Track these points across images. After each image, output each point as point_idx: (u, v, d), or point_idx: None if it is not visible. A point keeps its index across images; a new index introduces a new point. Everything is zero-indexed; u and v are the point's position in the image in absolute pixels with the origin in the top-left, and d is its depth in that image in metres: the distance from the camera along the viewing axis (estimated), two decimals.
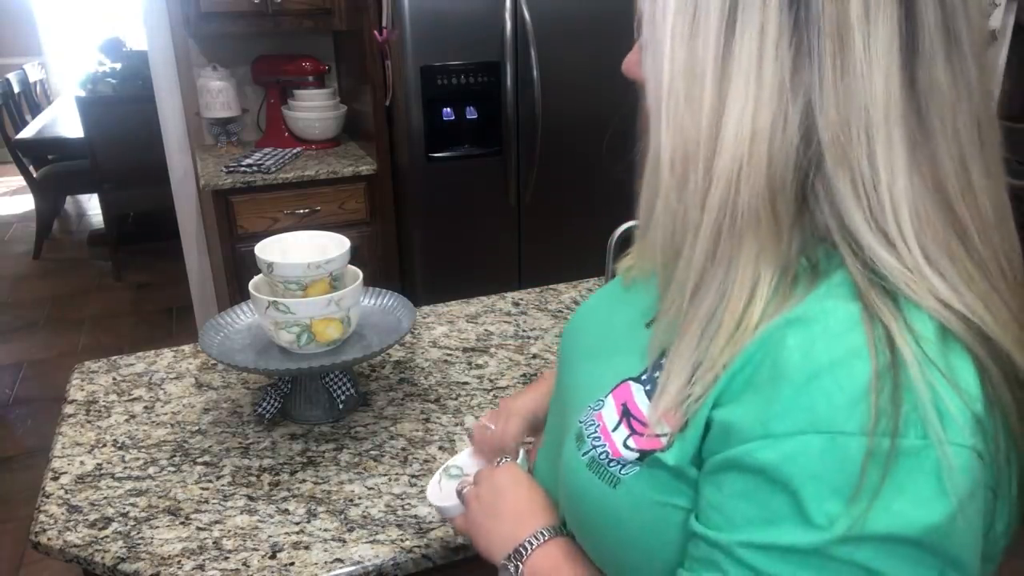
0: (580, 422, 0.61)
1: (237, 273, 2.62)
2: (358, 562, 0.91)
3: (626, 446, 0.56)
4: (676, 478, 0.52)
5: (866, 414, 0.43)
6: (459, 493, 0.78)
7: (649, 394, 0.57)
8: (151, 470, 1.08)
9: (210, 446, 1.13)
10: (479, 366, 1.35)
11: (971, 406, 0.44)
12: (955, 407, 0.44)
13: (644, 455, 0.54)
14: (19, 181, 4.94)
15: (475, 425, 0.91)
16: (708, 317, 0.50)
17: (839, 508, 0.43)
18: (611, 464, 0.56)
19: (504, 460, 0.77)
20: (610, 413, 0.59)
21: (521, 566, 0.66)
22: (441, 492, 0.87)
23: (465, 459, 0.91)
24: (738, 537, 0.47)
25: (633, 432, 0.56)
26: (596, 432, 0.59)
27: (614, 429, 0.57)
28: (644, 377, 0.58)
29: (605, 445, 0.57)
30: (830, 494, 0.44)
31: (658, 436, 0.54)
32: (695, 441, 0.51)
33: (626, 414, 0.57)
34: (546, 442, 0.79)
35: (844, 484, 0.43)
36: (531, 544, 0.66)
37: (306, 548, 0.93)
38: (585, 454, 0.59)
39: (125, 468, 1.08)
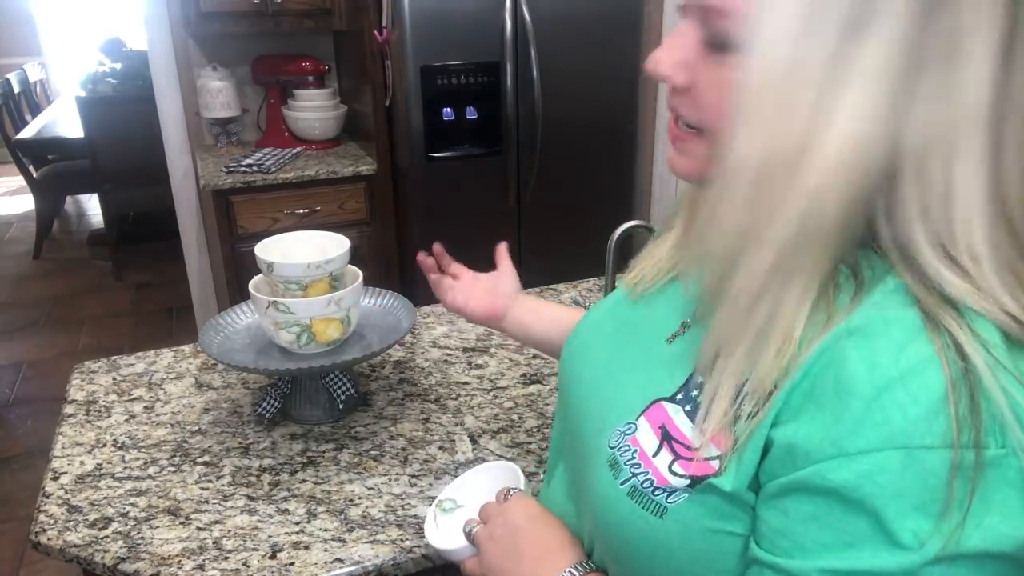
0: (611, 448, 0.58)
1: (237, 273, 2.62)
2: (358, 562, 0.91)
3: (673, 472, 0.53)
4: (731, 504, 0.50)
5: (946, 425, 0.41)
6: (467, 534, 0.73)
7: (690, 415, 0.54)
8: (151, 470, 1.08)
9: (210, 446, 1.13)
10: (479, 366, 1.35)
11: None
12: None
13: (696, 481, 0.51)
14: (19, 181, 4.95)
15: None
16: (758, 332, 0.48)
17: (927, 526, 0.41)
18: (656, 492, 0.53)
19: (512, 491, 0.73)
20: (647, 437, 0.56)
21: None
22: (439, 531, 0.80)
23: (457, 490, 0.85)
24: (814, 564, 0.45)
25: (678, 457, 0.53)
26: (634, 459, 0.55)
27: (655, 454, 0.54)
28: (680, 397, 0.56)
29: (648, 472, 0.54)
30: (915, 512, 0.42)
31: (707, 460, 0.51)
32: (753, 464, 0.48)
33: (667, 438, 0.54)
34: (557, 469, 0.75)
35: (929, 500, 0.41)
36: None
37: (306, 548, 0.93)
38: (624, 482, 0.55)
39: (125, 468, 1.08)
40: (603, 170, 2.77)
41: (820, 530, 0.45)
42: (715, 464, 0.50)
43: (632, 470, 0.55)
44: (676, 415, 0.55)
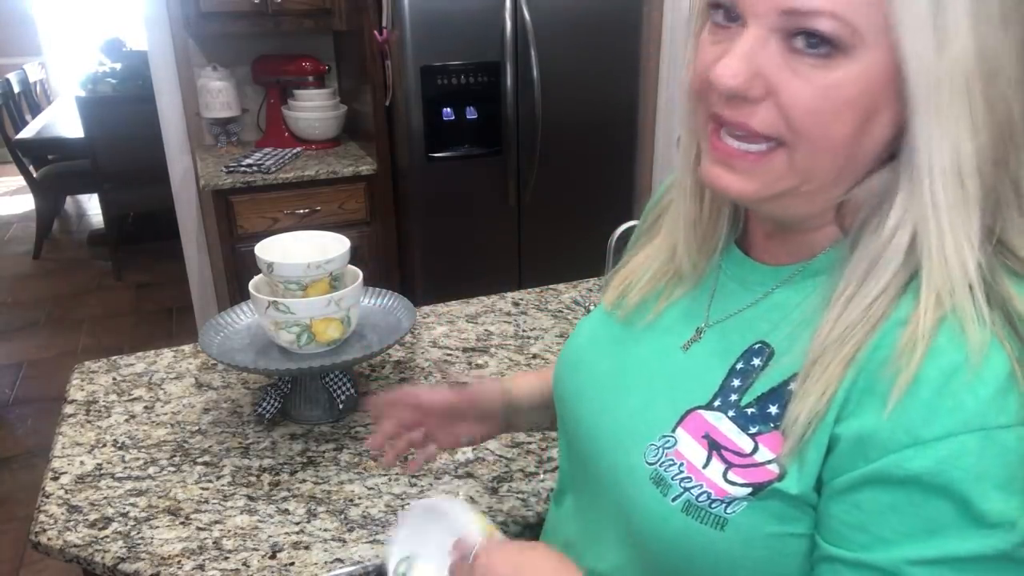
0: (651, 464, 0.56)
1: (237, 273, 2.62)
2: (358, 562, 0.91)
3: (729, 481, 0.52)
4: (795, 506, 0.50)
5: (1018, 403, 0.42)
6: None
7: (737, 422, 0.53)
8: (151, 470, 1.08)
9: (210, 446, 1.13)
10: (479, 366, 1.35)
11: None
12: None
13: (758, 488, 0.50)
14: (19, 181, 4.94)
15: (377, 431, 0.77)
16: (849, 335, 0.47)
17: (1015, 504, 0.42)
18: (714, 505, 0.52)
19: (475, 549, 0.63)
20: (692, 449, 0.54)
21: None
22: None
23: (407, 543, 0.74)
24: (899, 554, 0.44)
25: (731, 465, 0.52)
26: (683, 472, 0.54)
27: (705, 466, 0.53)
28: (718, 404, 0.54)
29: (702, 484, 0.52)
30: (1000, 491, 0.42)
31: (764, 465, 0.50)
32: (817, 464, 0.48)
33: (714, 447, 0.53)
34: (567, 495, 0.72)
35: (1012, 478, 0.42)
36: None
37: (306, 548, 0.93)
38: (676, 498, 0.53)
39: (125, 468, 1.08)
40: (603, 170, 2.77)
41: (901, 520, 0.44)
42: (773, 468, 0.49)
43: (683, 484, 0.53)
44: (719, 422, 0.54)
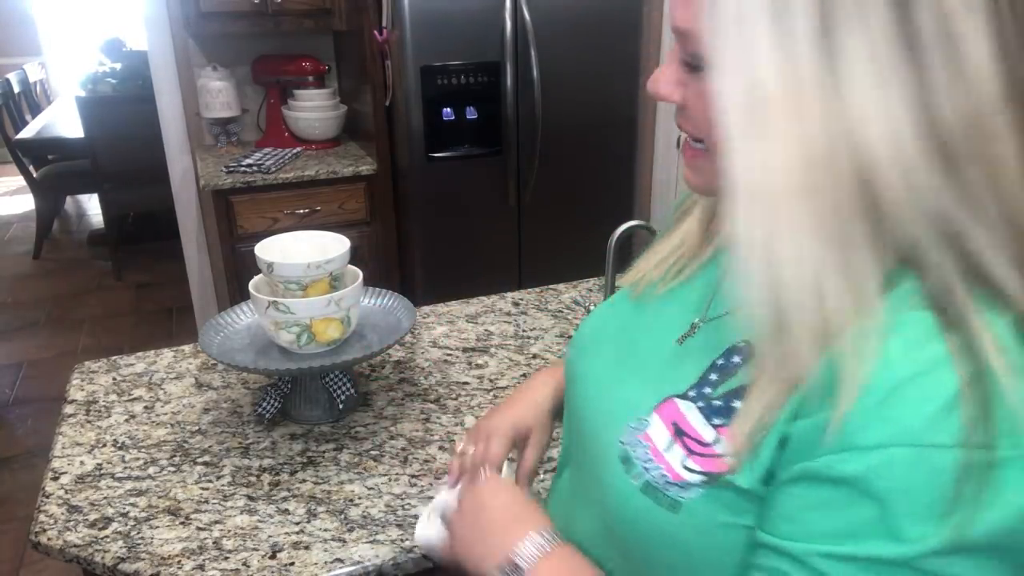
0: (623, 443, 0.58)
1: (237, 273, 2.62)
2: (358, 562, 0.91)
3: (687, 468, 0.54)
4: (746, 499, 0.51)
5: (958, 425, 0.41)
6: (443, 519, 0.75)
7: (703, 412, 0.55)
8: (151, 470, 1.08)
9: (210, 446, 1.13)
10: (479, 366, 1.35)
11: None
12: None
13: (712, 478, 0.52)
14: (19, 181, 4.95)
15: (453, 457, 0.84)
16: (809, 331, 0.47)
17: (931, 524, 0.42)
18: (669, 488, 0.54)
19: (490, 473, 0.75)
20: (659, 433, 0.56)
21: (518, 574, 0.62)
22: (429, 527, 0.80)
23: (451, 496, 0.81)
24: (815, 547, 0.46)
25: (691, 452, 0.54)
26: (647, 454, 0.56)
27: (666, 450, 0.55)
28: (692, 394, 0.56)
29: (660, 467, 0.55)
30: (922, 509, 0.42)
31: (721, 456, 0.52)
32: (769, 459, 0.49)
33: (679, 434, 0.55)
34: (564, 471, 0.76)
35: (936, 499, 0.42)
36: (528, 551, 0.62)
37: (306, 548, 0.93)
38: (636, 477, 0.56)
39: (125, 468, 1.08)
40: (603, 170, 2.77)
41: (824, 517, 0.46)
42: (729, 460, 0.51)
43: (645, 465, 0.56)
44: (689, 411, 0.56)
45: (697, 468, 0.53)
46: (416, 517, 0.98)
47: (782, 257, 0.47)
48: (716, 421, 0.54)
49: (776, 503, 0.49)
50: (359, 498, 1.02)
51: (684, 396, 0.57)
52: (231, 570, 0.90)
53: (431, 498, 1.00)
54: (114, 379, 1.32)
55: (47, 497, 1.03)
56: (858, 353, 0.45)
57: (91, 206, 5.37)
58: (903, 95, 0.44)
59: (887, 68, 0.44)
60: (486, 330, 1.48)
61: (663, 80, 0.56)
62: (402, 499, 1.01)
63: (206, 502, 1.01)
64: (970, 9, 0.44)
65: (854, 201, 0.45)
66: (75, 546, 0.94)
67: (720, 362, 0.56)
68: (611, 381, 0.66)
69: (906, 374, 0.43)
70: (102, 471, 1.08)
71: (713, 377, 0.55)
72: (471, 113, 2.52)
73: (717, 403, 0.54)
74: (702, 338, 0.60)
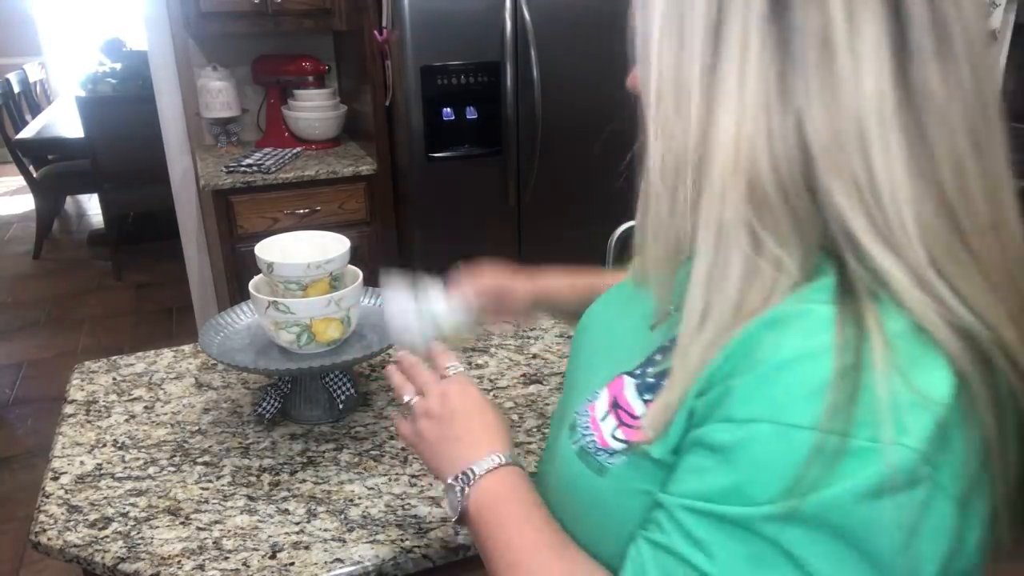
0: (576, 413, 0.63)
1: (237, 273, 2.62)
2: (358, 562, 0.91)
3: (614, 437, 0.58)
4: (660, 468, 0.54)
5: (820, 410, 0.44)
6: (407, 403, 0.78)
7: (638, 388, 0.59)
8: (151, 470, 1.08)
9: (210, 446, 1.13)
10: (479, 366, 1.35)
11: (935, 413, 0.44)
12: (913, 414, 0.43)
13: (631, 446, 0.56)
14: (19, 181, 4.95)
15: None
16: (723, 321, 0.50)
17: (774, 493, 0.45)
18: (598, 453, 0.58)
19: (452, 369, 0.77)
20: (601, 404, 0.61)
21: (468, 488, 0.66)
22: (405, 316, 0.91)
23: (441, 308, 0.94)
24: (679, 500, 0.50)
25: (621, 423, 0.58)
26: (586, 422, 0.61)
27: (603, 419, 0.60)
28: (638, 372, 0.60)
29: (594, 435, 0.59)
30: (771, 481, 0.45)
31: (641, 428, 0.56)
32: (678, 432, 0.52)
33: (615, 406, 0.59)
34: (550, 434, 0.80)
35: (785, 475, 0.45)
36: (482, 467, 0.67)
37: (306, 548, 0.93)
38: (576, 443, 0.61)
39: (125, 468, 1.08)
40: (603, 170, 2.76)
41: (697, 479, 0.49)
42: (647, 432, 0.54)
43: (583, 432, 0.61)
44: (628, 387, 0.60)
45: (622, 437, 0.57)
46: (416, 517, 0.98)
47: (697, 251, 0.51)
48: (647, 396, 0.58)
49: (674, 466, 0.53)
50: (359, 498, 1.02)
51: (631, 373, 0.60)
52: (231, 570, 0.90)
53: (431, 498, 1.00)
54: (114, 379, 1.32)
55: (47, 497, 1.03)
56: (756, 341, 0.48)
57: (91, 206, 5.37)
58: (768, 101, 0.47)
59: (756, 72, 0.47)
60: (486, 330, 1.48)
61: (632, 76, 0.58)
62: (402, 499, 1.01)
63: (206, 502, 1.01)
64: (852, 15, 0.45)
65: (743, 204, 0.48)
66: (75, 546, 0.94)
67: (666, 344, 0.59)
68: (595, 361, 0.69)
69: (788, 358, 0.46)
70: (102, 471, 1.08)
71: (657, 357, 0.59)
72: (471, 113, 2.52)
73: (651, 380, 0.58)
74: (670, 324, 0.62)
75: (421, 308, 0.94)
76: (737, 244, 0.49)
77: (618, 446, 0.57)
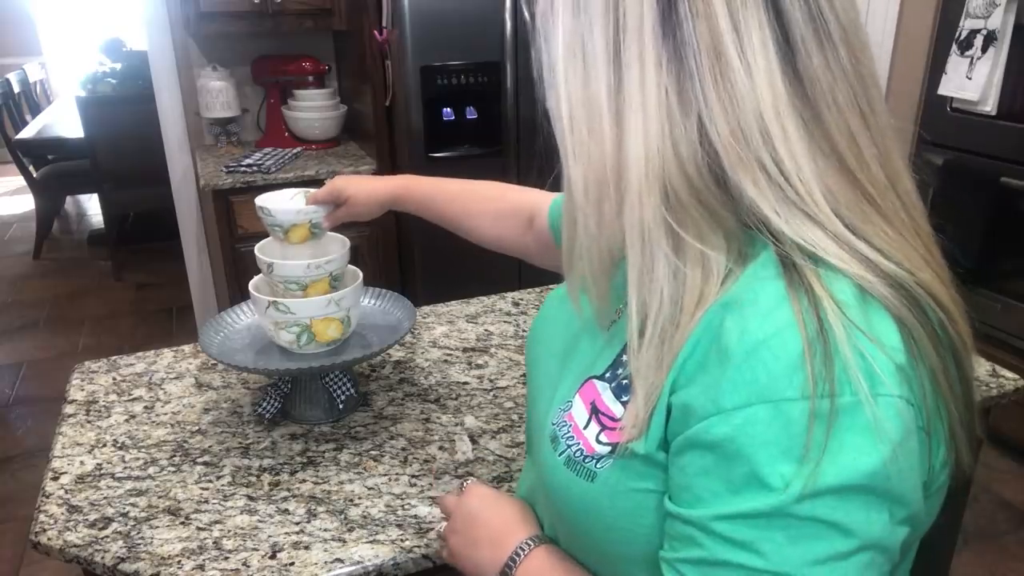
0: (553, 424, 0.64)
1: (237, 273, 2.62)
2: (358, 562, 0.91)
3: (599, 441, 0.59)
4: (647, 464, 0.55)
5: (804, 379, 0.47)
6: (439, 532, 0.81)
7: (615, 391, 0.60)
8: (151, 470, 1.08)
9: (210, 446, 1.13)
10: (479, 366, 1.35)
11: (894, 359, 0.48)
12: (879, 363, 0.47)
13: (616, 448, 0.57)
14: (19, 181, 4.95)
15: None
16: (665, 319, 0.53)
17: (792, 469, 0.47)
18: (586, 460, 0.59)
19: (467, 481, 0.80)
20: (580, 412, 0.62)
21: None
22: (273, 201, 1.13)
23: (291, 205, 1.14)
24: (708, 511, 0.50)
25: (604, 428, 0.59)
26: (569, 432, 0.62)
27: (585, 427, 0.61)
28: (608, 375, 0.61)
29: (579, 443, 0.60)
30: (781, 457, 0.47)
31: (623, 428, 0.57)
32: (660, 427, 0.54)
33: (595, 411, 0.61)
34: (527, 454, 0.82)
35: (792, 446, 0.47)
36: (517, 558, 0.68)
37: (306, 548, 0.93)
38: (561, 454, 0.61)
39: (125, 468, 1.08)
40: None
41: (710, 481, 0.50)
42: (628, 431, 0.56)
43: (567, 442, 0.62)
44: (604, 392, 0.61)
45: (606, 441, 0.58)
46: (416, 517, 0.98)
47: (608, 257, 0.55)
48: (624, 398, 0.59)
49: (674, 475, 0.53)
50: (359, 498, 1.02)
51: (601, 377, 0.62)
52: (231, 570, 0.90)
53: (431, 498, 1.00)
54: (114, 379, 1.32)
55: (47, 497, 1.03)
56: (718, 325, 0.50)
57: (91, 206, 5.37)
58: (670, 111, 0.50)
59: (655, 86, 0.50)
60: (486, 330, 1.48)
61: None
62: (402, 499, 1.01)
63: (206, 502, 1.01)
64: (737, 26, 0.49)
65: (660, 208, 0.51)
66: (75, 546, 0.94)
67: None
68: (554, 370, 0.70)
69: (758, 339, 0.48)
70: (102, 471, 1.08)
71: (624, 358, 0.60)
72: (471, 113, 2.52)
73: (625, 382, 0.59)
74: (622, 321, 0.64)
75: (283, 202, 1.15)
76: (659, 246, 0.52)
77: (604, 450, 0.58)
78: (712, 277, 0.52)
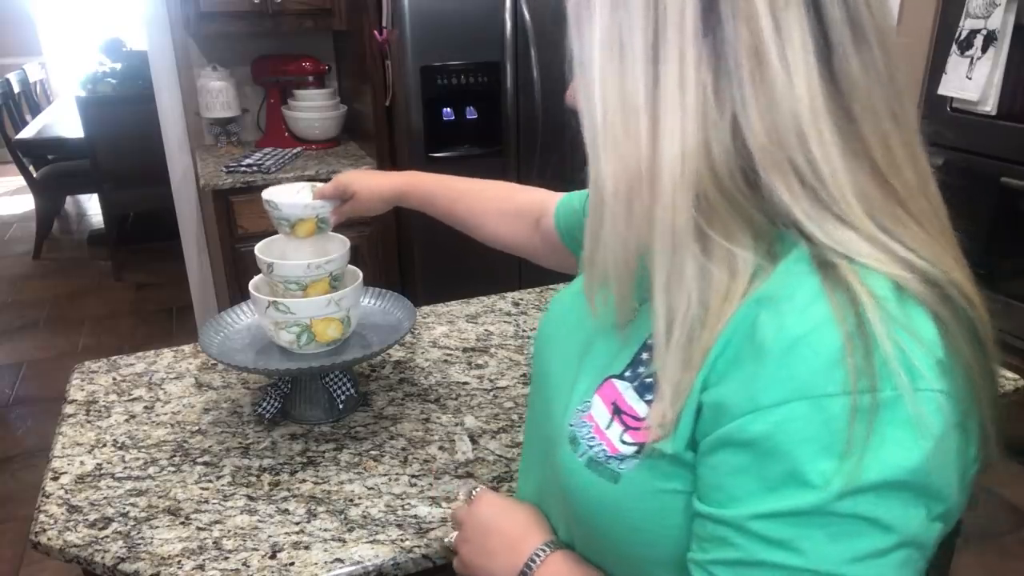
0: (571, 426, 0.63)
1: (237, 273, 2.62)
2: (358, 562, 0.91)
3: (623, 442, 0.58)
4: (674, 464, 0.54)
5: (845, 374, 0.46)
6: (448, 544, 0.80)
7: (638, 390, 0.59)
8: (151, 470, 1.08)
9: (210, 446, 1.13)
10: (479, 366, 1.35)
11: (934, 353, 0.48)
12: (919, 357, 0.47)
13: (643, 448, 0.56)
14: (19, 181, 4.95)
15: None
16: (692, 319, 0.53)
17: (833, 465, 0.46)
18: (609, 461, 0.58)
19: (476, 489, 0.79)
20: (600, 412, 0.61)
21: None
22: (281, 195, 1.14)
23: (298, 199, 1.15)
24: (744, 511, 0.49)
25: (627, 428, 0.58)
26: (590, 433, 0.61)
27: (607, 427, 0.59)
28: (628, 374, 0.60)
29: (602, 444, 0.59)
30: (822, 454, 0.46)
31: (650, 428, 0.56)
32: (689, 426, 0.53)
33: (617, 411, 0.60)
34: (526, 457, 0.80)
35: (833, 442, 0.46)
36: (533, 564, 0.68)
37: (306, 548, 0.93)
38: (582, 455, 0.60)
39: (125, 468, 1.08)
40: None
41: (746, 480, 0.49)
42: (655, 430, 0.55)
43: (588, 443, 0.60)
44: (626, 391, 0.60)
45: (631, 440, 0.58)
46: (416, 517, 0.98)
47: (654, 261, 0.53)
48: (648, 397, 0.58)
49: (705, 476, 0.52)
50: (359, 498, 1.02)
51: (621, 376, 0.61)
52: (231, 570, 0.90)
53: (431, 498, 1.00)
54: (114, 379, 1.32)
55: (47, 497, 1.03)
56: (753, 322, 0.50)
57: (91, 206, 5.37)
58: (706, 111, 0.50)
59: (694, 86, 0.50)
60: (486, 330, 1.48)
61: (570, 89, 0.61)
62: (402, 499, 1.01)
63: (206, 502, 1.01)
64: (779, 27, 0.49)
65: (692, 210, 0.51)
66: (75, 546, 0.94)
67: (649, 342, 0.60)
68: (568, 370, 0.69)
69: (796, 334, 0.48)
70: (102, 471, 1.08)
71: (644, 356, 0.60)
72: (471, 113, 2.52)
73: (648, 380, 0.58)
74: (640, 318, 0.63)
75: (290, 196, 1.16)
76: (688, 246, 0.52)
77: (629, 450, 0.57)
78: (739, 275, 0.52)
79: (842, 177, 0.50)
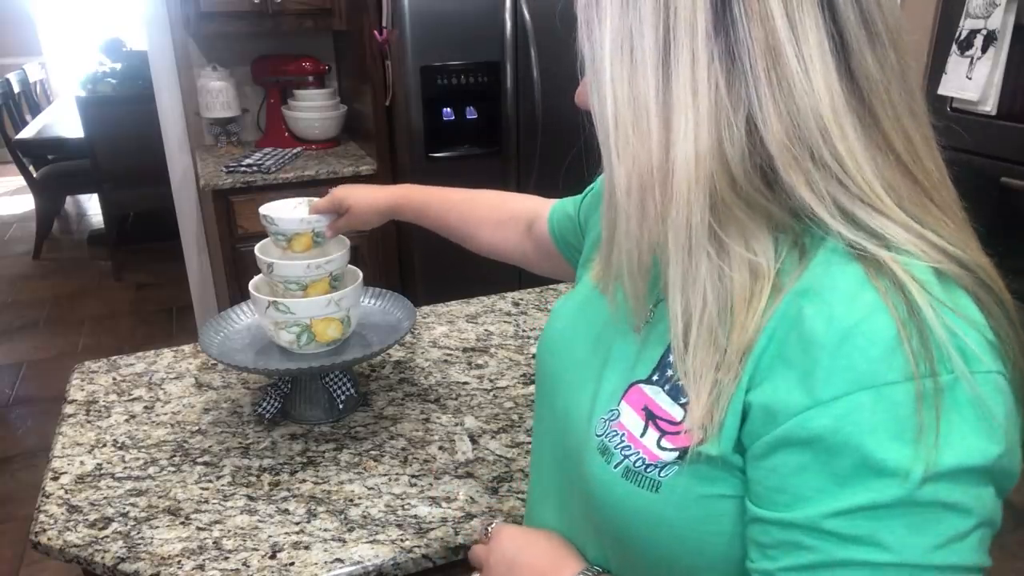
0: (599, 436, 0.61)
1: (237, 273, 2.62)
2: (358, 562, 0.91)
3: (661, 448, 0.56)
4: (719, 468, 0.53)
5: (904, 360, 0.45)
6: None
7: (670, 394, 0.57)
8: (151, 470, 1.08)
9: (210, 446, 1.13)
10: (479, 366, 1.35)
11: (985, 335, 0.48)
12: (973, 340, 0.47)
13: (684, 452, 0.55)
14: (19, 181, 4.95)
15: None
16: (711, 320, 0.52)
17: (908, 452, 0.45)
18: (649, 469, 0.56)
19: (492, 525, 0.75)
20: (632, 420, 0.59)
21: None
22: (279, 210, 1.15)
23: (295, 214, 1.15)
24: (815, 510, 0.47)
25: (664, 433, 0.57)
26: (623, 442, 0.59)
27: (642, 435, 0.58)
28: (656, 378, 0.59)
29: (638, 452, 0.57)
30: (893, 441, 0.45)
31: (689, 431, 0.54)
32: (734, 428, 0.52)
33: (651, 417, 0.58)
34: (540, 481, 0.77)
35: (904, 429, 0.45)
36: None
37: (306, 548, 0.93)
38: (617, 465, 0.58)
39: (125, 468, 1.08)
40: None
41: (812, 477, 0.48)
42: (696, 433, 0.54)
43: (623, 452, 0.58)
44: (656, 396, 0.58)
45: (670, 446, 0.56)
46: (416, 517, 0.98)
47: (664, 265, 0.53)
48: (683, 400, 0.56)
49: (763, 479, 0.50)
50: (359, 498, 1.02)
51: (648, 381, 0.59)
52: (231, 570, 0.90)
53: (431, 498, 1.00)
54: (114, 379, 1.32)
55: (47, 497, 1.03)
56: (798, 315, 0.49)
57: (91, 206, 5.37)
58: (719, 112, 0.50)
59: (706, 86, 0.50)
60: (486, 330, 1.48)
61: (580, 92, 0.60)
62: (402, 499, 1.01)
63: (206, 502, 1.01)
64: (795, 26, 0.49)
65: (707, 211, 0.51)
66: (75, 546, 0.94)
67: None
68: (585, 378, 0.67)
69: (848, 324, 0.47)
70: (102, 471, 1.08)
71: (671, 359, 0.58)
72: (471, 113, 2.52)
73: (680, 383, 0.57)
74: (658, 319, 0.62)
75: (287, 211, 1.17)
76: (702, 247, 0.52)
77: (669, 456, 0.56)
78: (761, 274, 0.52)
79: (868, 171, 0.50)
